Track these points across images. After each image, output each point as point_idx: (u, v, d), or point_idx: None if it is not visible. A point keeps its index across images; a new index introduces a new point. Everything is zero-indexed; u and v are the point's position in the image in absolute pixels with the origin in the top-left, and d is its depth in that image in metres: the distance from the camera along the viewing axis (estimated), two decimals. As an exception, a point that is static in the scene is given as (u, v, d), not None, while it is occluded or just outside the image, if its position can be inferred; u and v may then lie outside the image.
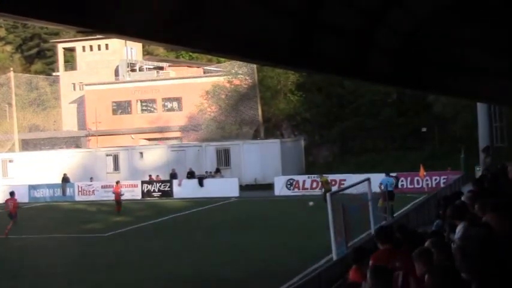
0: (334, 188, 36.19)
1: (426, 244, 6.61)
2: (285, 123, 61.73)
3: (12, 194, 33.80)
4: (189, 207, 39.72)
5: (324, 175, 41.19)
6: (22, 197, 49.18)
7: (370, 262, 8.54)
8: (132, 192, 47.72)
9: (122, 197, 40.78)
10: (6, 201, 33.28)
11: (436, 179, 41.45)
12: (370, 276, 6.28)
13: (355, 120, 55.67)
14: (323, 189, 38.68)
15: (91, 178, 51.21)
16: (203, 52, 5.73)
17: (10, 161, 57.00)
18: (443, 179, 40.40)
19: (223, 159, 52.02)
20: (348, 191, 22.88)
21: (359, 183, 23.00)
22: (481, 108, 32.06)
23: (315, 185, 43.55)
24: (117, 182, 41.88)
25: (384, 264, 8.92)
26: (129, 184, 48.58)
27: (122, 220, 35.56)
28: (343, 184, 38.48)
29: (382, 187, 29.61)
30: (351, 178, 38.04)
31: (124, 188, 48.07)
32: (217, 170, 50.02)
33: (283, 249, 24.10)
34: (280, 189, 45.09)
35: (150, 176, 49.31)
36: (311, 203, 35.85)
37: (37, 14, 4.59)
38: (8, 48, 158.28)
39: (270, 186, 46.48)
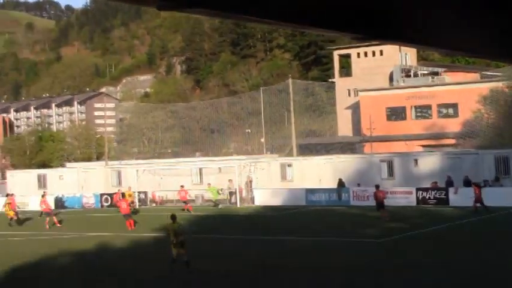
0: None
1: None
2: None
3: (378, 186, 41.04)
4: (465, 216, 38.54)
5: None
6: (299, 201, 51.03)
7: None
8: (407, 199, 47.38)
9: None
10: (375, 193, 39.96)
11: None
12: None
13: None
14: None
15: (358, 184, 51.21)
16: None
17: (288, 165, 59.20)
18: None
19: (503, 167, 49.74)
20: None
21: None
22: None
23: None
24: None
25: None
26: (404, 191, 48.29)
27: (396, 227, 35.38)
28: None
29: None
30: None
31: (398, 194, 47.86)
32: (497, 179, 48.01)
33: None
34: None
35: (435, 182, 48.01)
36: None
37: (318, 23, 4.67)
38: (287, 55, 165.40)
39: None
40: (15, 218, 46.24)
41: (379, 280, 21.62)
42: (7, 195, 51.46)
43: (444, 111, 78.00)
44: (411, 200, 47.24)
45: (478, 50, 5.93)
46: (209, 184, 54.76)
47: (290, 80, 79.27)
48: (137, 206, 53.21)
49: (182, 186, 52.09)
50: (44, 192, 52.23)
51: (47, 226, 42.57)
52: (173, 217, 24.47)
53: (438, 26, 5.11)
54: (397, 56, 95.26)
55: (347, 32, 5.17)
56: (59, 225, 43.31)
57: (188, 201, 51.00)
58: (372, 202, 47.96)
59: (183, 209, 48.89)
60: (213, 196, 53.69)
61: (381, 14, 4.83)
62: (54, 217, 44.25)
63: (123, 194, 48.32)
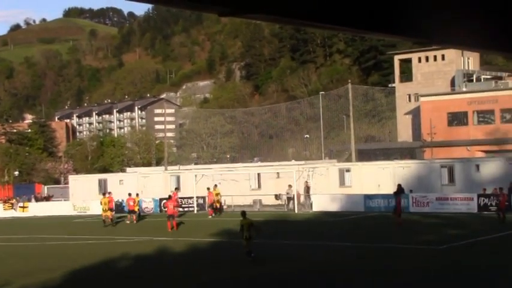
0: None
1: None
2: None
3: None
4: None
5: None
6: (358, 207, 50.53)
7: None
8: (467, 205, 46.53)
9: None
10: None
11: None
12: None
13: None
14: None
15: (410, 190, 49.35)
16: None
17: (347, 171, 58.69)
18: None
19: None
20: None
21: None
22: None
23: None
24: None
25: None
26: (465, 197, 47.42)
27: (457, 233, 34.72)
28: None
29: None
30: None
31: (459, 200, 46.99)
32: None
33: None
34: None
35: (499, 188, 45.51)
36: None
37: (375, 27, 4.53)
38: (347, 61, 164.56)
39: None
40: (110, 217, 47.11)
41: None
42: (104, 194, 51.46)
43: (508, 116, 76.41)
44: (472, 207, 46.36)
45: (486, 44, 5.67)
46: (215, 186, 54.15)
47: (350, 85, 78.68)
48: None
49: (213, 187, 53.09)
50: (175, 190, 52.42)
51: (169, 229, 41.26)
52: (243, 213, 26.94)
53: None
54: (460, 60, 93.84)
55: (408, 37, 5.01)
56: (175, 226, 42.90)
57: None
58: (432, 208, 47.45)
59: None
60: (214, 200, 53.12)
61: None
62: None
63: (169, 196, 47.34)
